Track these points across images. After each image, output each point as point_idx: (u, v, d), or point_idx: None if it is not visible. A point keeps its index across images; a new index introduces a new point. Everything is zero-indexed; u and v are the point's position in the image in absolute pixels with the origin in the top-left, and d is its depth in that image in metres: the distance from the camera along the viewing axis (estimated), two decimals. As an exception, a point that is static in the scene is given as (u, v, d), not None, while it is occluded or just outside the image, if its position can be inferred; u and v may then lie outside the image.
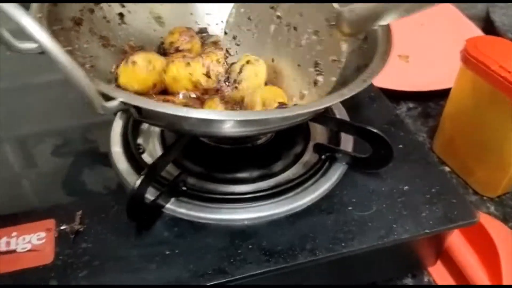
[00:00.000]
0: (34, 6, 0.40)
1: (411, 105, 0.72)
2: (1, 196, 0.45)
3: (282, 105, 0.41)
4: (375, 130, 0.43)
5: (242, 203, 0.44)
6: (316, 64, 0.44)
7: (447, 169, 0.61)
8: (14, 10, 0.27)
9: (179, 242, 0.41)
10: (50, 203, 0.44)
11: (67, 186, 0.46)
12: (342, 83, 0.43)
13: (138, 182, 0.39)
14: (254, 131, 0.38)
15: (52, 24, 0.40)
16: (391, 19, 0.36)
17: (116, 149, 0.48)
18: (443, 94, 0.63)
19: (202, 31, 0.55)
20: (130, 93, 0.34)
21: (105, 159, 0.48)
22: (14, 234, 0.41)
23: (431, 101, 0.72)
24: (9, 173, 0.48)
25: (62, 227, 0.41)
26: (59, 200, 0.44)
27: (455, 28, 0.82)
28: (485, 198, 0.57)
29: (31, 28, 0.27)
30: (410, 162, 0.49)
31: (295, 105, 0.44)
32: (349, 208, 0.44)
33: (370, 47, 0.43)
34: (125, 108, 0.33)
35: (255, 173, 0.48)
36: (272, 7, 0.47)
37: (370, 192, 0.46)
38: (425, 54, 0.79)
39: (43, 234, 0.41)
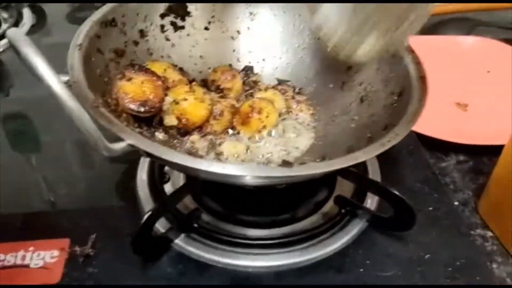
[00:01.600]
0: (78, 34, 0.43)
1: (461, 157, 0.67)
2: (27, 207, 0.47)
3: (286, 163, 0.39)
4: (396, 193, 0.41)
5: (252, 249, 0.43)
6: None
7: (489, 234, 0.56)
8: (31, 54, 0.28)
9: (181, 281, 0.41)
10: (69, 221, 0.46)
11: (88, 206, 0.48)
12: (368, 139, 0.42)
13: (147, 216, 0.40)
14: (265, 183, 0.38)
15: (91, 55, 0.42)
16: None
17: (142, 176, 0.49)
18: (499, 149, 0.58)
19: (247, 69, 0.56)
20: (138, 135, 0.34)
21: (131, 184, 0.49)
22: (31, 248, 0.43)
23: (485, 155, 0.67)
24: (36, 185, 0.50)
25: (75, 248, 0.43)
26: (78, 219, 0.46)
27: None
28: (525, 271, 0.52)
29: (41, 69, 0.28)
30: (438, 227, 0.46)
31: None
32: (361, 269, 0.42)
33: (402, 106, 0.41)
34: (134, 150, 0.34)
35: (271, 218, 0.47)
36: None
37: (387, 255, 0.43)
38: (486, 104, 0.73)
39: (56, 253, 0.43)
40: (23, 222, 0.46)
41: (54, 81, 0.28)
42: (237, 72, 0.53)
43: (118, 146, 0.33)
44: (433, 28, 0.92)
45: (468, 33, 0.89)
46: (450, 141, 0.65)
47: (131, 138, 0.33)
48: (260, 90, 0.53)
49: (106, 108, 0.37)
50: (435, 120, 0.57)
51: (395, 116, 0.40)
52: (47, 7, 0.86)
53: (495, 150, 0.64)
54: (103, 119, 0.34)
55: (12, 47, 0.33)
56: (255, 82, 0.54)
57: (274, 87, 0.53)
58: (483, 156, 0.67)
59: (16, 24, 0.75)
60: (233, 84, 0.52)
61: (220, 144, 0.46)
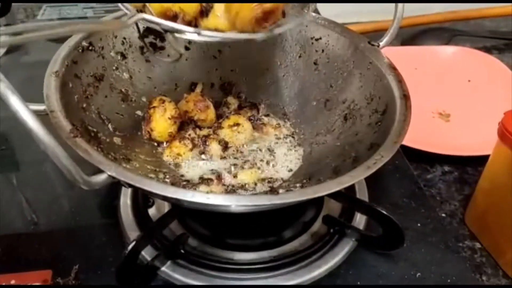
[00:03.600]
0: (53, 61, 0.41)
1: (446, 168, 0.67)
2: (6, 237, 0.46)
3: (273, 190, 0.39)
4: (384, 212, 0.40)
5: (240, 273, 0.43)
6: None
7: (477, 245, 0.56)
8: (3, 88, 0.27)
9: (168, 310, 0.40)
10: (50, 252, 0.44)
11: (70, 235, 0.46)
12: (354, 158, 0.41)
13: (131, 245, 0.38)
14: (251, 210, 0.37)
15: (68, 82, 0.41)
16: None
17: (125, 200, 0.48)
18: (484, 160, 0.59)
19: (227, 86, 0.55)
20: (119, 167, 0.33)
21: (114, 207, 0.48)
22: (12, 281, 0.42)
23: (470, 166, 0.67)
24: (16, 208, 0.49)
25: (57, 280, 0.42)
26: (59, 249, 0.45)
27: (505, 88, 0.77)
28: (516, 282, 0.52)
29: (16, 106, 0.27)
30: (427, 244, 0.45)
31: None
32: (353, 291, 0.41)
33: (386, 124, 0.40)
34: (115, 181, 0.33)
35: (259, 240, 0.46)
36: None
37: (378, 275, 0.43)
38: (468, 113, 0.73)
39: (38, 285, 0.41)
40: (3, 253, 0.44)
41: (28, 117, 0.27)
42: (210, 102, 0.52)
43: (98, 178, 0.32)
44: (411, 39, 0.93)
45: (446, 43, 0.90)
46: (434, 153, 0.65)
47: (111, 170, 0.32)
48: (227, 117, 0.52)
49: (84, 138, 0.35)
50: (419, 132, 0.57)
51: (380, 135, 0.40)
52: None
53: (479, 160, 0.64)
54: (81, 151, 0.33)
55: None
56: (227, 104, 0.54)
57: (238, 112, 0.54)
58: (468, 166, 0.67)
59: (-7, 44, 0.73)
60: (206, 115, 0.51)
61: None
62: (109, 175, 0.32)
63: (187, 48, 0.54)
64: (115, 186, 0.48)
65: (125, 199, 0.48)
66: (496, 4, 0.93)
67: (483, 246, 0.56)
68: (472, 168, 0.67)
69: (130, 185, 0.33)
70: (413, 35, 0.92)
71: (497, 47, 0.91)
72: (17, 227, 0.48)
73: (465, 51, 0.84)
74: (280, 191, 0.41)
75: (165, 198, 0.37)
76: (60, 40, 0.79)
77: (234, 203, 0.32)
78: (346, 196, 0.46)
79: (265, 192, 0.41)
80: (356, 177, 0.34)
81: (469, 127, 0.71)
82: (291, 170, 0.48)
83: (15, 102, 0.27)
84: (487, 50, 0.89)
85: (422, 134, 0.64)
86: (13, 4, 0.81)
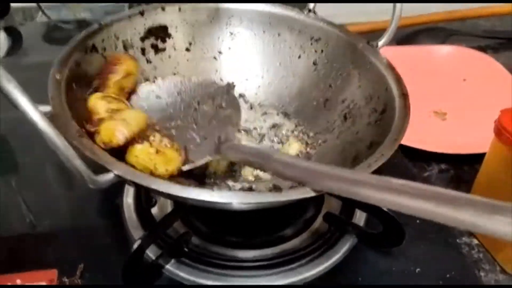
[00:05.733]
0: (57, 63, 0.42)
1: (443, 166, 0.68)
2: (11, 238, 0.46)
3: (276, 187, 0.40)
4: (384, 209, 0.41)
5: (243, 271, 0.43)
6: None
7: (475, 241, 0.57)
8: (12, 89, 0.28)
9: (173, 308, 0.40)
10: (55, 252, 0.45)
11: (74, 235, 0.47)
12: (354, 157, 0.42)
13: (137, 244, 0.39)
14: (251, 208, 0.37)
15: (72, 83, 0.42)
16: None
17: (128, 200, 0.49)
18: (479, 157, 0.59)
19: (228, 86, 0.56)
20: (126, 167, 0.34)
21: (116, 206, 0.48)
22: (18, 281, 0.42)
23: (466, 164, 0.68)
24: (21, 214, 0.49)
25: (63, 279, 0.42)
26: (64, 249, 0.45)
27: (501, 87, 0.78)
28: (513, 277, 0.53)
29: (26, 107, 0.28)
30: (427, 240, 0.46)
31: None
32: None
33: (386, 123, 0.41)
34: (121, 180, 0.33)
35: (261, 238, 0.47)
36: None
37: (379, 272, 0.43)
38: (464, 112, 0.74)
39: (44, 285, 0.42)
40: (8, 254, 0.44)
41: (38, 118, 0.28)
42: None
43: (105, 178, 0.32)
44: (407, 38, 0.94)
45: (442, 42, 0.91)
46: (431, 151, 0.66)
47: (118, 169, 0.33)
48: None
49: (90, 138, 0.36)
50: (415, 130, 0.58)
51: (380, 134, 0.41)
52: (23, 29, 0.85)
53: (475, 158, 0.65)
54: (88, 151, 0.34)
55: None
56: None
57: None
58: (464, 164, 0.68)
59: (-9, 47, 0.74)
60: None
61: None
62: (116, 174, 0.33)
63: (187, 49, 0.54)
64: (117, 186, 0.49)
65: (128, 199, 0.49)
66: (491, 4, 0.94)
67: (480, 242, 0.57)
68: (469, 166, 0.68)
69: (135, 184, 0.34)
70: (408, 35, 0.93)
71: (492, 46, 0.92)
72: (21, 228, 0.48)
73: (461, 51, 0.85)
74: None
75: (170, 196, 0.38)
76: (59, 41, 0.80)
77: (239, 201, 0.33)
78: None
79: (269, 190, 0.41)
80: (357, 175, 0.35)
81: (465, 125, 0.72)
82: None
83: (25, 103, 0.27)
84: (483, 49, 0.89)
85: (419, 132, 0.64)
86: (11, 5, 0.82)
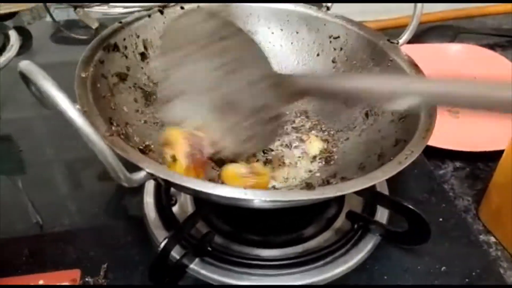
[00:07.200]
0: (82, 61, 0.42)
1: (458, 164, 0.68)
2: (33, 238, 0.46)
3: (309, 185, 0.40)
4: (410, 206, 0.41)
5: (267, 270, 0.43)
6: None
7: (492, 239, 0.57)
8: (50, 87, 0.28)
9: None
10: (78, 252, 0.44)
11: (96, 235, 0.46)
12: (379, 155, 0.42)
13: (163, 244, 0.39)
14: (280, 206, 0.37)
15: (97, 82, 0.41)
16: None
17: (149, 199, 0.48)
18: (495, 155, 0.59)
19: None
20: (157, 164, 0.34)
21: (139, 208, 0.48)
22: (40, 282, 0.42)
23: (481, 161, 0.68)
24: (36, 214, 0.49)
25: (87, 279, 0.42)
26: (87, 249, 0.45)
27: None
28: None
29: (59, 100, 0.27)
30: (450, 238, 0.46)
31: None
32: (380, 286, 0.42)
33: (411, 120, 0.41)
34: (153, 178, 0.33)
35: (284, 237, 0.46)
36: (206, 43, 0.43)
37: (404, 270, 0.43)
38: (477, 110, 0.74)
39: (67, 285, 0.41)
40: (30, 254, 0.44)
41: (76, 116, 0.28)
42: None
43: (138, 176, 0.32)
44: (416, 37, 0.93)
45: (451, 40, 0.91)
46: (446, 149, 0.66)
47: (150, 167, 0.33)
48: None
49: (119, 136, 0.36)
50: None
51: (405, 132, 0.41)
52: (32, 28, 0.85)
53: (490, 156, 0.65)
54: (119, 149, 0.33)
55: (24, 79, 0.32)
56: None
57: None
58: (478, 162, 0.68)
59: (3, 46, 0.73)
60: None
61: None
62: (148, 172, 0.32)
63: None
64: (141, 188, 0.49)
65: (148, 198, 0.48)
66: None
67: (498, 240, 0.57)
68: (483, 164, 0.68)
69: (166, 182, 0.33)
70: (417, 34, 0.92)
71: (500, 44, 0.92)
72: (42, 228, 0.47)
73: (470, 49, 0.85)
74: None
75: (199, 194, 0.38)
76: (68, 41, 0.80)
77: (271, 198, 0.32)
78: (372, 191, 0.46)
79: (301, 188, 0.41)
80: (388, 172, 0.35)
81: (477, 123, 0.72)
82: (310, 171, 0.49)
83: (62, 101, 0.27)
84: (491, 47, 0.90)
85: (434, 130, 0.65)
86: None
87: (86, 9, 0.36)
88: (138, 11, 0.49)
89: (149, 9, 0.49)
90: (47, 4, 0.86)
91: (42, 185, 0.53)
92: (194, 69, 0.43)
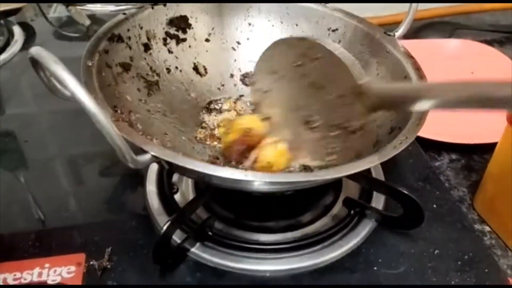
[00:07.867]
0: (88, 49, 0.43)
1: (453, 156, 0.69)
2: (39, 224, 0.47)
3: (307, 168, 0.41)
4: (405, 192, 0.42)
5: (266, 253, 0.44)
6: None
7: (487, 228, 0.59)
8: (61, 71, 0.29)
9: (200, 288, 0.41)
10: (82, 237, 0.46)
11: (101, 221, 0.48)
12: (375, 142, 0.43)
13: (165, 227, 0.40)
14: (280, 189, 0.39)
15: (102, 70, 0.43)
16: (425, 107, 0.35)
17: (151, 188, 0.50)
18: (489, 147, 0.61)
19: (246, 76, 0.57)
20: (161, 147, 0.35)
21: (141, 196, 0.50)
22: (47, 265, 0.43)
23: (476, 153, 0.69)
24: (43, 202, 0.50)
25: (91, 262, 0.43)
26: (92, 234, 0.46)
27: (509, 79, 0.79)
28: (525, 263, 0.54)
29: (69, 83, 0.29)
30: (444, 223, 0.47)
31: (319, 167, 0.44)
32: (375, 268, 0.43)
33: (406, 108, 0.42)
34: (157, 161, 0.35)
35: (282, 223, 0.48)
36: (298, 65, 0.46)
37: (398, 253, 0.45)
38: (473, 103, 0.76)
39: (73, 268, 0.43)
40: (36, 239, 0.45)
41: (85, 98, 0.29)
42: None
43: (143, 158, 0.33)
44: (413, 32, 0.95)
45: (449, 36, 0.93)
46: (442, 141, 0.67)
47: (154, 150, 0.34)
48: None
49: (124, 122, 0.37)
50: (426, 120, 0.59)
51: (399, 120, 0.42)
52: (35, 24, 0.86)
53: (485, 148, 0.66)
54: (125, 133, 0.35)
55: (34, 65, 0.33)
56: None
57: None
58: (474, 154, 0.69)
59: (7, 42, 0.74)
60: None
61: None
62: (153, 155, 0.34)
63: (207, 40, 0.55)
64: (139, 173, 0.51)
65: (151, 187, 0.50)
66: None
67: (492, 229, 0.58)
68: (478, 156, 0.69)
69: (169, 164, 0.35)
70: (415, 29, 0.94)
71: (498, 40, 0.94)
72: (49, 215, 0.49)
73: (468, 44, 0.86)
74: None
75: (202, 176, 0.39)
76: (71, 37, 0.81)
77: (271, 180, 0.34)
78: (369, 177, 0.48)
79: (299, 170, 0.42)
80: (384, 156, 0.36)
81: (473, 116, 0.73)
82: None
83: (73, 84, 0.29)
84: (488, 43, 0.91)
85: (429, 123, 0.65)
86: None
87: (78, 7, 0.37)
88: (129, 9, 0.50)
89: (141, 7, 0.51)
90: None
91: (49, 176, 0.54)
92: (289, 88, 0.47)
